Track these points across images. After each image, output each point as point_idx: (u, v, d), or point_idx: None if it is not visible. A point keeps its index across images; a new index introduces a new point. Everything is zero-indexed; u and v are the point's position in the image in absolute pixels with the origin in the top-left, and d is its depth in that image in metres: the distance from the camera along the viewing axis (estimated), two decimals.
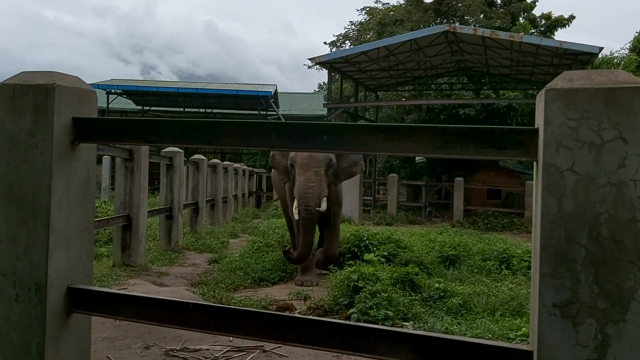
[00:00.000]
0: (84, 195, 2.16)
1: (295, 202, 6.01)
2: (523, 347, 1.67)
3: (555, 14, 25.19)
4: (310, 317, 1.85)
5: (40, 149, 2.01)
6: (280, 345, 3.03)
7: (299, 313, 4.58)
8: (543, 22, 25.39)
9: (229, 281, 5.86)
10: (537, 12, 25.90)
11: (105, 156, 12.18)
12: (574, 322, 1.51)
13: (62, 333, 2.08)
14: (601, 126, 1.49)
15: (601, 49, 14.00)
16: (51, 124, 2.00)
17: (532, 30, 23.99)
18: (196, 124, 1.96)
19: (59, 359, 2.05)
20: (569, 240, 1.51)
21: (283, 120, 4.71)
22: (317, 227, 6.86)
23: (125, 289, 4.78)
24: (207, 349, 3.17)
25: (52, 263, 2.01)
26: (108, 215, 7.50)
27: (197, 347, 3.18)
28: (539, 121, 1.59)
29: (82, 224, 2.15)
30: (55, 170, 2.01)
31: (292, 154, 6.19)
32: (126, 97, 26.47)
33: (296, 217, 5.97)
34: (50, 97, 2.01)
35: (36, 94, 2.02)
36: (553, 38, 23.38)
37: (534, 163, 1.64)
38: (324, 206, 5.90)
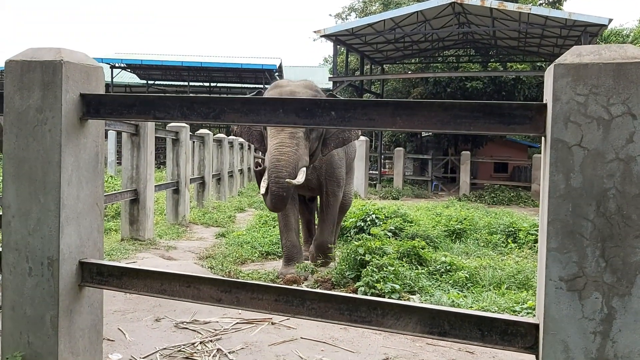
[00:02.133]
0: (93, 171, 2.18)
1: (265, 174, 4.62)
2: (529, 319, 1.69)
3: None
4: (319, 290, 1.88)
5: (49, 126, 2.02)
6: (288, 317, 3.08)
7: (306, 286, 4.63)
8: None
9: (237, 255, 5.90)
10: None
11: (111, 131, 12.17)
12: (580, 295, 1.53)
13: (75, 306, 2.12)
14: (610, 101, 1.48)
15: (610, 20, 13.78)
16: (59, 100, 2.01)
17: (541, 1, 23.62)
18: (204, 99, 1.96)
19: (72, 332, 2.10)
20: (577, 215, 1.52)
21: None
22: (304, 210, 6.21)
23: (134, 262, 4.84)
24: (217, 321, 3.22)
25: (63, 238, 2.04)
26: (115, 190, 7.54)
27: (207, 320, 3.23)
28: (548, 96, 1.59)
29: (92, 199, 2.18)
30: (65, 147, 2.02)
31: None
32: (130, 71, 26.37)
33: (262, 191, 4.63)
34: (58, 74, 2.02)
35: (44, 70, 2.03)
36: (562, 9, 23.02)
37: (542, 138, 1.64)
38: (300, 178, 4.52)
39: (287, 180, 4.41)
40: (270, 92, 4.90)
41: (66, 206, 2.03)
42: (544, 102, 1.63)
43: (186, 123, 7.83)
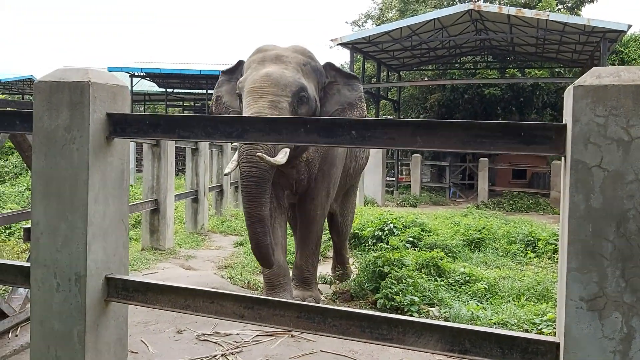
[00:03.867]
0: (119, 189, 2.23)
1: (235, 155, 3.77)
2: (550, 338, 1.70)
3: None
4: (340, 307, 1.91)
5: (76, 145, 2.08)
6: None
7: (325, 297, 4.65)
8: None
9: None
10: None
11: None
12: (601, 315, 1.54)
13: (102, 321, 2.16)
14: (630, 123, 1.49)
15: (630, 26, 13.64)
16: (87, 120, 2.07)
17: (559, 7, 23.46)
18: (227, 119, 2.01)
19: (98, 346, 2.15)
20: (597, 236, 1.53)
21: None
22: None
23: (155, 273, 4.90)
24: (238, 334, 3.26)
25: (90, 254, 2.09)
26: (135, 199, 7.64)
27: (228, 332, 3.28)
28: (567, 117, 1.61)
29: (118, 216, 2.23)
30: (92, 165, 2.08)
31: (240, 80, 3.97)
32: (149, 80, 26.66)
33: (226, 171, 3.82)
34: (86, 94, 2.07)
35: (72, 91, 2.08)
36: (580, 15, 22.84)
37: (562, 158, 1.66)
38: (280, 158, 3.53)
39: (258, 154, 3.38)
40: (253, 57, 4.04)
41: (93, 223, 2.08)
42: (564, 122, 1.64)
43: (210, 142, 7.91)
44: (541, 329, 3.61)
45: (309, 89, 3.89)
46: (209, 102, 25.00)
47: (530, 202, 15.05)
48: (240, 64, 4.30)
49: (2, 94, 27.28)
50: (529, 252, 6.69)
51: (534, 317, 3.86)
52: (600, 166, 1.52)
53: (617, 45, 16.92)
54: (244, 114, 3.62)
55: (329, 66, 4.30)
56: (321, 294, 4.60)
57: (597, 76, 1.55)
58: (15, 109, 2.53)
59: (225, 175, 4.00)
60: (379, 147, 1.88)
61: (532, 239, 7.07)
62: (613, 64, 18.37)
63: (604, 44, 13.98)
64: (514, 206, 14.58)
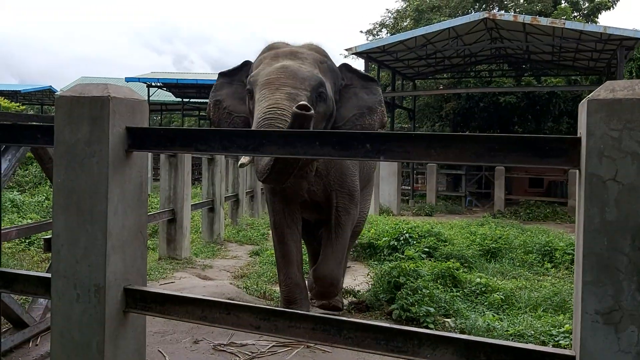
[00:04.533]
0: (137, 201, 2.26)
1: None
2: (566, 351, 1.69)
3: None
4: (356, 319, 1.92)
5: (96, 158, 2.12)
6: None
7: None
8: (586, 5, 24.64)
9: (271, 274, 5.96)
10: None
11: None
12: (617, 329, 1.54)
13: (120, 332, 2.19)
14: None
15: None
16: (106, 133, 2.11)
17: (575, 14, 23.33)
18: (243, 133, 2.05)
19: (117, 356, 2.18)
20: (612, 249, 1.53)
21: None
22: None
23: (172, 282, 4.95)
24: (254, 344, 3.28)
25: (109, 266, 2.12)
26: (152, 209, 7.72)
27: (244, 342, 3.30)
28: (582, 130, 1.61)
29: (136, 227, 2.26)
30: (111, 178, 2.12)
31: (252, 75, 3.61)
32: (166, 90, 26.96)
33: (243, 160, 3.46)
34: (105, 109, 2.11)
35: (92, 105, 2.13)
36: (597, 22, 22.70)
37: (577, 172, 1.66)
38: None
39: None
40: (264, 54, 3.73)
41: (112, 235, 2.12)
42: (578, 135, 1.65)
43: (226, 154, 7.96)
44: (558, 341, 3.58)
45: (328, 87, 3.58)
46: None
47: (548, 211, 14.91)
48: (246, 64, 3.96)
49: (22, 104, 27.71)
50: (545, 262, 6.64)
51: (551, 328, 3.83)
52: (615, 179, 1.52)
53: (634, 53, 16.76)
54: (258, 108, 3.31)
55: (345, 67, 3.99)
56: (343, 306, 4.53)
57: (611, 90, 1.55)
58: (37, 123, 2.59)
59: (240, 167, 3.52)
60: (394, 160, 1.90)
61: (549, 248, 7.02)
62: (630, 72, 18.20)
63: (621, 52, 13.89)
64: (530, 215, 14.46)
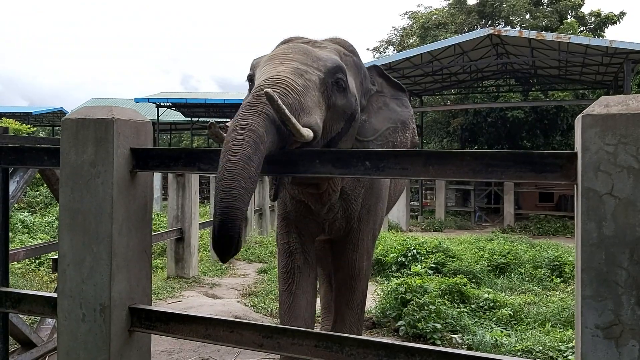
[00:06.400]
0: (142, 221, 2.29)
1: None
2: None
3: (605, 11, 24.46)
4: (357, 337, 1.92)
5: (101, 179, 2.15)
6: None
7: None
8: (592, 19, 24.69)
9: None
10: (585, 9, 25.21)
11: None
12: (617, 343, 1.54)
13: (125, 350, 2.21)
14: (639, 151, 1.51)
15: None
16: (111, 155, 2.15)
17: (581, 29, 23.37)
18: None
19: None
20: (610, 263, 1.54)
21: None
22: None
23: (180, 301, 4.96)
24: None
25: (115, 285, 2.15)
26: (161, 227, 7.75)
27: None
28: (577, 145, 1.63)
29: (141, 247, 2.29)
30: (116, 198, 2.15)
31: (255, 59, 2.72)
32: (175, 109, 27.19)
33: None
34: (110, 130, 2.15)
35: (97, 127, 2.17)
36: (603, 36, 22.74)
37: (574, 186, 1.67)
38: (307, 133, 2.11)
39: (266, 90, 1.96)
40: (282, 45, 2.70)
41: (117, 255, 2.15)
42: (575, 150, 1.66)
43: None
44: (567, 356, 3.56)
45: (350, 80, 2.67)
46: None
47: (558, 225, 14.83)
48: (256, 65, 2.69)
49: (34, 126, 28.03)
50: (554, 277, 6.59)
51: (560, 343, 3.80)
52: (612, 194, 1.53)
53: None
54: (257, 84, 2.29)
55: (376, 71, 3.17)
56: None
57: (606, 105, 1.57)
58: (43, 146, 2.64)
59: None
60: (393, 177, 1.91)
61: (558, 263, 6.98)
62: (639, 84, 18.16)
63: (628, 65, 13.87)
64: (540, 229, 14.38)
